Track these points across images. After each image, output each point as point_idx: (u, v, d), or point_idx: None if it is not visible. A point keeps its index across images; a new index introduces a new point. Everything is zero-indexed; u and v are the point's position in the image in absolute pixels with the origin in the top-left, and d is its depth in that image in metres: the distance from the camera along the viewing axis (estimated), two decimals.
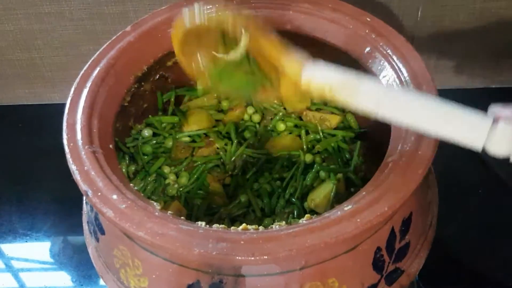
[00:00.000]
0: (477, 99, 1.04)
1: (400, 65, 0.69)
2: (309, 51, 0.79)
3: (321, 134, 0.81)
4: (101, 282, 0.84)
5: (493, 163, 0.90)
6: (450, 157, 0.89)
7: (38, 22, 0.98)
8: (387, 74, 0.69)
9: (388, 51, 0.70)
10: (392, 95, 0.56)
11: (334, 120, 0.83)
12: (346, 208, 0.56)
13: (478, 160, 0.92)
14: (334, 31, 0.75)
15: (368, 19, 0.74)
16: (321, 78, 0.58)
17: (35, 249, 0.89)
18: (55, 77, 1.07)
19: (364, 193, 0.58)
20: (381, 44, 0.71)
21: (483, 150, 0.52)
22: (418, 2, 0.92)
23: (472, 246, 0.83)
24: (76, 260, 0.87)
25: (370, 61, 0.72)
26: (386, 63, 0.70)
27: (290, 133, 0.84)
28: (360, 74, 0.57)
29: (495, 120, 0.51)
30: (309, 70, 0.59)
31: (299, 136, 0.83)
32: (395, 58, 0.70)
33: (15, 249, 0.90)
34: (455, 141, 0.53)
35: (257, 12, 0.77)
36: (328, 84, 0.57)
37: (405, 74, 0.68)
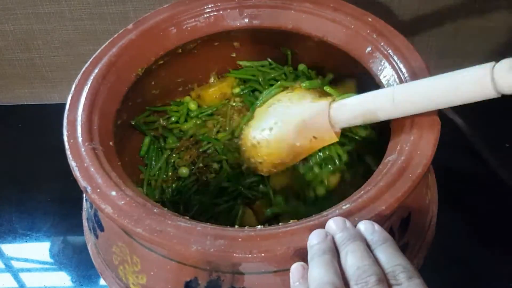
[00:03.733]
0: None
1: (401, 65, 0.69)
2: (310, 51, 0.80)
3: None
4: (101, 282, 0.84)
5: (493, 163, 0.90)
6: (450, 157, 0.89)
7: (38, 22, 0.98)
8: (387, 74, 0.69)
9: (389, 51, 0.70)
10: (398, 97, 0.61)
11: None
12: (344, 207, 0.56)
13: (478, 160, 0.92)
14: (335, 31, 0.75)
15: (369, 19, 0.74)
16: (346, 123, 0.69)
17: (35, 249, 0.89)
18: (55, 77, 1.07)
19: (362, 192, 0.58)
20: (382, 44, 0.71)
21: (502, 95, 0.53)
22: (418, 2, 0.92)
23: (472, 246, 0.83)
24: (76, 260, 0.87)
25: (371, 61, 0.72)
26: (386, 63, 0.70)
27: None
28: (367, 95, 0.66)
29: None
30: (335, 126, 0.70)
31: None
32: (395, 58, 0.70)
33: (15, 249, 0.90)
34: (472, 100, 0.55)
35: (258, 12, 0.77)
36: (353, 123, 0.68)
37: (406, 74, 0.68)
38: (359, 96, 0.66)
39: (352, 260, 0.49)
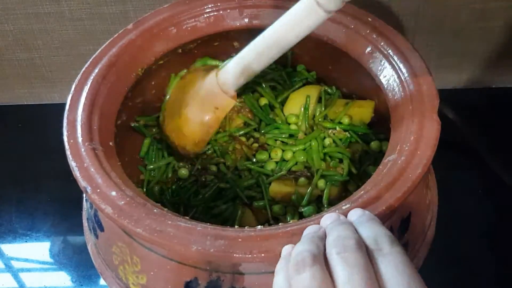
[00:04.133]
0: (477, 99, 1.05)
1: (401, 65, 0.69)
2: (309, 51, 0.80)
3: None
4: (101, 282, 0.84)
5: (493, 163, 0.90)
6: (450, 157, 0.89)
7: (38, 22, 0.98)
8: (387, 74, 0.69)
9: (389, 51, 0.70)
10: (260, 47, 0.70)
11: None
12: (344, 207, 0.56)
13: (478, 160, 0.92)
14: (335, 31, 0.75)
15: (369, 19, 0.74)
16: (235, 85, 0.75)
17: (35, 249, 0.89)
18: (55, 77, 1.07)
19: (362, 192, 0.58)
20: (382, 44, 0.71)
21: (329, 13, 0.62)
22: (418, 2, 0.92)
23: (472, 246, 0.83)
24: (76, 260, 0.87)
25: (370, 61, 0.72)
26: (386, 63, 0.70)
27: None
28: (239, 55, 0.72)
29: None
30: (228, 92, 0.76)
31: None
32: (395, 58, 0.70)
33: (15, 249, 0.90)
34: (314, 27, 0.65)
35: (258, 12, 0.77)
36: (240, 83, 0.75)
37: (406, 74, 0.67)
38: (235, 58, 0.73)
39: (334, 233, 0.49)
